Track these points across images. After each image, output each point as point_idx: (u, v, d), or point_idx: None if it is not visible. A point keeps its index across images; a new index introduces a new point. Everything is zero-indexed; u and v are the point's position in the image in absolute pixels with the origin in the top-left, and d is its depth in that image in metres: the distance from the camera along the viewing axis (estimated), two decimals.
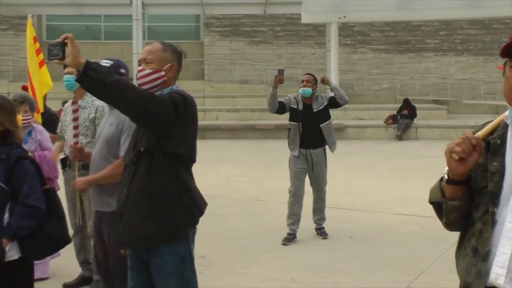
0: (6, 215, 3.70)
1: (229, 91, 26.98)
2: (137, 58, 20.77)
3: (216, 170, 13.18)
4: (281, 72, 7.55)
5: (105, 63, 4.29)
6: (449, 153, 2.18)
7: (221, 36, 30.06)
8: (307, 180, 7.77)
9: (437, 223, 2.41)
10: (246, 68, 29.04)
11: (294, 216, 7.61)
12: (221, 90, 27.09)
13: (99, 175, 4.15)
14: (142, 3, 24.44)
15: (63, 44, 3.11)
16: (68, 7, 25.32)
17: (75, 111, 5.04)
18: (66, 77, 5.57)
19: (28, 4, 24.58)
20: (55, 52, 3.13)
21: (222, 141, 19.84)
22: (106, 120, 4.30)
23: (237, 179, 12.36)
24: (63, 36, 3.12)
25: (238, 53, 29.93)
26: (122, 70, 4.45)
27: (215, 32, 30.10)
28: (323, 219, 7.81)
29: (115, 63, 4.45)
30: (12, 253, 3.70)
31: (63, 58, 3.11)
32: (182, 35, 29.98)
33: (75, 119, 4.93)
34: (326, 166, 7.78)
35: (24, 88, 8.01)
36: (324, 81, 7.85)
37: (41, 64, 7.59)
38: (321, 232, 7.74)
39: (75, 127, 4.86)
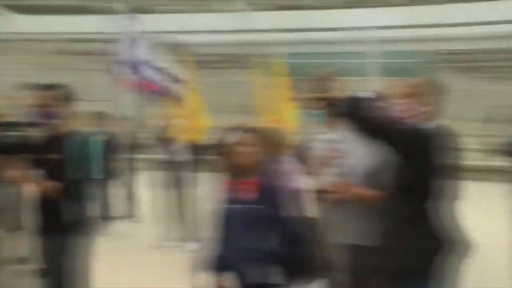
0: (271, 240, 3.84)
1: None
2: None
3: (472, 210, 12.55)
4: None
5: (368, 95, 4.31)
6: None
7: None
8: None
9: None
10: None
11: None
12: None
13: (362, 191, 4.03)
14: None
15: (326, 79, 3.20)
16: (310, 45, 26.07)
17: (334, 143, 4.74)
18: (315, 111, 5.70)
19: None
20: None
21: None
22: (364, 153, 4.24)
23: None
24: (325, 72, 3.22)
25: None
26: (381, 104, 4.42)
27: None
28: None
29: (377, 96, 4.42)
30: (275, 277, 3.80)
31: (326, 92, 3.22)
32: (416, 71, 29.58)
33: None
34: None
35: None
36: None
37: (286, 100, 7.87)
38: None
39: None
